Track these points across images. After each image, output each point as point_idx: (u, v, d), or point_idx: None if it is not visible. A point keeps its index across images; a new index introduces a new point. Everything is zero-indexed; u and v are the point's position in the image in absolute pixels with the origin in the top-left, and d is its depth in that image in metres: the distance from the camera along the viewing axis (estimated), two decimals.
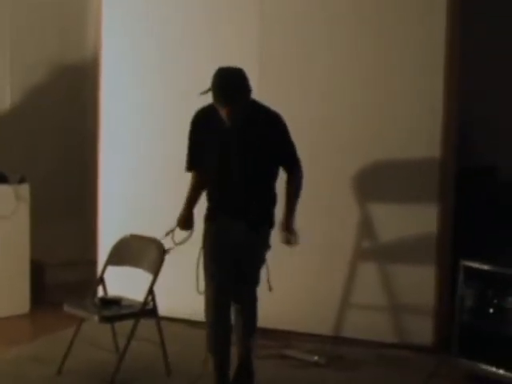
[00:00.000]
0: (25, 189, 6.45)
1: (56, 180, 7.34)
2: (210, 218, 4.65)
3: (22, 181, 6.45)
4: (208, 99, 4.46)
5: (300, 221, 5.77)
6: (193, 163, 4.70)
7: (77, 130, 7.46)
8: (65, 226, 7.37)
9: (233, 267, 4.56)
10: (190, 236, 4.75)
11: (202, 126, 4.60)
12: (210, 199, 4.68)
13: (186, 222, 4.73)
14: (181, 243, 4.77)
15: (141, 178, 6.37)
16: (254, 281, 4.69)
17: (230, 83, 4.35)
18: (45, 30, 7.33)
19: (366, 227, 5.81)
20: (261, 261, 4.69)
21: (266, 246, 4.67)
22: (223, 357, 4.60)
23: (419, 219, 5.65)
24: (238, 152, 4.49)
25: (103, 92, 6.53)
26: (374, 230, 5.79)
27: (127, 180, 6.45)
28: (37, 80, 7.30)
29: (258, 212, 4.57)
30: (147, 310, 4.87)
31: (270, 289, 4.80)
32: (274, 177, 4.63)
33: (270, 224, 4.66)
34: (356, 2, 5.78)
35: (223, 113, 4.37)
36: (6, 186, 6.36)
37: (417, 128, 5.63)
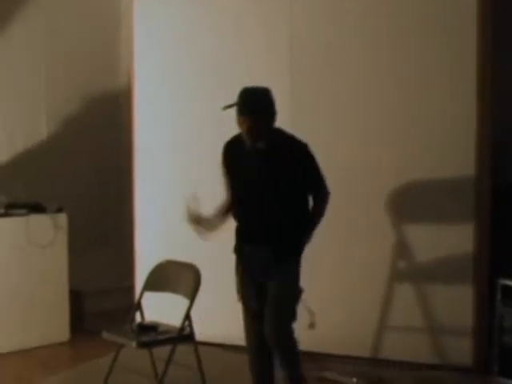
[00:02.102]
0: (62, 218, 6.52)
1: (93, 208, 7.42)
2: (236, 248, 4.67)
3: (59, 210, 6.52)
4: None
5: (334, 242, 5.82)
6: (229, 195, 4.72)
7: (112, 158, 7.54)
8: (102, 254, 7.44)
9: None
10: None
11: (230, 154, 4.63)
12: (237, 228, 4.68)
13: (196, 216, 4.69)
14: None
15: (176, 205, 6.40)
16: (286, 314, 4.56)
17: (252, 96, 4.40)
18: (78, 58, 7.43)
19: (402, 247, 5.78)
20: (291, 291, 4.58)
21: (294, 275, 4.58)
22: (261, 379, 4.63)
23: (455, 238, 5.62)
24: (261, 176, 4.47)
25: (137, 119, 6.61)
26: (410, 251, 5.76)
27: (162, 207, 6.50)
28: (72, 109, 7.40)
29: (283, 239, 4.51)
30: (184, 335, 4.87)
31: (312, 326, 4.75)
32: (299, 203, 4.57)
33: (298, 251, 4.59)
34: (393, 26, 5.77)
35: (244, 129, 4.39)
36: (44, 216, 6.43)
37: (450, 146, 5.61)
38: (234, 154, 4.61)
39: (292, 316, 4.55)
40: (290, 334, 4.56)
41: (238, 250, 4.67)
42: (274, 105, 4.44)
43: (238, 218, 4.66)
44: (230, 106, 4.40)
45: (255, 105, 4.37)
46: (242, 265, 4.64)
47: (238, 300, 4.69)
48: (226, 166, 4.68)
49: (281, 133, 4.53)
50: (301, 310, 4.64)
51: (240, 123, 4.41)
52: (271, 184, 4.46)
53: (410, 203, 5.79)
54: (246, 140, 4.44)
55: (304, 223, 4.55)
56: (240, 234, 4.66)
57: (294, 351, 4.63)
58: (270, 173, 4.45)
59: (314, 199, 4.60)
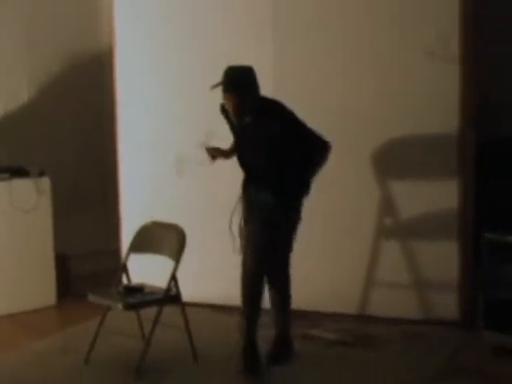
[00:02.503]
0: (45, 182, 6.47)
1: (76, 171, 7.37)
2: (242, 188, 4.97)
3: (42, 174, 6.47)
4: None
5: (321, 200, 5.80)
6: None
7: (95, 120, 7.48)
8: (87, 217, 7.41)
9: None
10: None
11: (226, 112, 4.84)
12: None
13: (214, 150, 4.99)
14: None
15: (161, 165, 6.39)
16: (285, 254, 4.95)
17: (237, 74, 4.64)
18: (58, 19, 7.32)
19: (387, 205, 5.79)
20: (291, 237, 4.90)
21: (293, 215, 4.86)
22: (255, 312, 4.83)
23: (440, 194, 5.63)
24: (250, 147, 4.79)
25: (120, 80, 6.55)
26: (395, 208, 5.77)
27: (147, 168, 6.47)
28: (53, 72, 7.30)
29: (281, 188, 4.74)
30: (171, 296, 4.88)
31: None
32: (291, 159, 4.73)
33: (297, 197, 4.83)
34: None
35: (229, 107, 4.63)
36: (27, 180, 6.38)
37: (434, 102, 5.59)
38: (227, 115, 4.84)
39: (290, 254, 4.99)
40: (289, 269, 5.03)
41: (244, 188, 4.96)
42: (257, 81, 4.69)
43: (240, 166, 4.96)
44: (216, 86, 4.63)
45: (240, 82, 4.62)
46: (247, 201, 4.90)
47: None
48: (228, 122, 4.94)
49: (264, 104, 4.71)
50: None
51: (226, 100, 4.65)
52: (258, 154, 4.74)
53: (395, 160, 5.79)
54: (232, 117, 4.71)
55: (298, 173, 4.78)
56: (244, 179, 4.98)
57: (290, 287, 5.08)
58: (256, 145, 4.72)
59: (309, 151, 4.75)
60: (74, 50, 7.42)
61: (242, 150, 4.88)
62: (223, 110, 4.89)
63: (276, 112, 4.69)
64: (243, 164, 4.90)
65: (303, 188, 4.83)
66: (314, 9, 5.87)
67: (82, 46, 7.50)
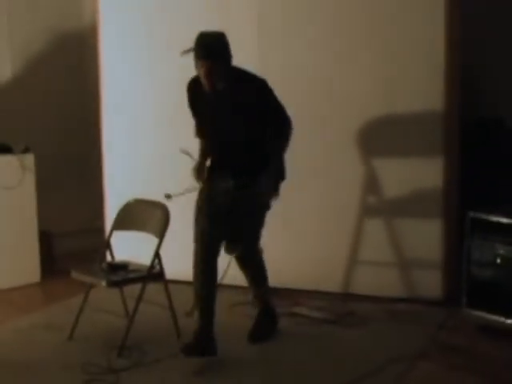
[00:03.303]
0: (29, 158, 6.46)
1: (61, 149, 7.34)
2: (207, 177, 4.82)
3: (26, 150, 6.45)
4: None
5: (305, 179, 5.81)
6: (197, 130, 4.89)
7: (79, 98, 7.45)
8: (71, 194, 7.40)
9: (226, 224, 4.73)
10: (193, 189, 4.88)
11: (195, 93, 4.75)
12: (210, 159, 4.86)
13: (200, 170, 4.83)
14: (184, 193, 4.91)
15: (144, 142, 6.37)
16: (251, 237, 4.91)
17: (209, 40, 4.50)
18: None
19: (372, 183, 5.79)
20: (256, 218, 4.85)
21: (261, 203, 4.77)
22: (209, 302, 4.70)
23: (425, 172, 5.63)
24: (223, 116, 4.66)
25: (104, 58, 6.52)
26: (380, 186, 5.77)
27: (130, 145, 6.46)
28: (37, 49, 7.27)
29: (248, 170, 4.66)
30: (154, 273, 4.88)
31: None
32: (262, 135, 4.69)
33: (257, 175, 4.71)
34: None
35: (202, 74, 4.50)
36: (11, 157, 6.36)
37: (419, 81, 5.58)
38: (197, 92, 4.72)
39: (258, 237, 4.95)
40: (258, 251, 5.02)
41: (205, 183, 4.84)
42: (229, 47, 4.57)
43: (209, 152, 4.86)
44: (187, 51, 4.52)
45: (212, 48, 4.49)
46: (205, 195, 4.79)
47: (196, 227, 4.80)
48: (192, 104, 4.82)
49: (237, 72, 4.64)
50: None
51: (198, 67, 4.52)
52: (233, 121, 4.64)
53: (379, 138, 5.78)
54: (204, 84, 4.56)
55: (265, 152, 4.71)
56: (210, 167, 4.84)
57: (263, 267, 5.07)
58: (230, 112, 4.62)
59: (276, 127, 4.72)
60: (57, 27, 7.40)
61: (215, 121, 4.73)
62: (190, 87, 4.77)
63: (249, 79, 4.64)
64: (218, 136, 4.77)
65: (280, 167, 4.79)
66: None
67: (66, 23, 7.48)
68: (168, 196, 4.96)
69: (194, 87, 4.74)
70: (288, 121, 4.72)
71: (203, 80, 4.53)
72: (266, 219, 4.90)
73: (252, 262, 5.05)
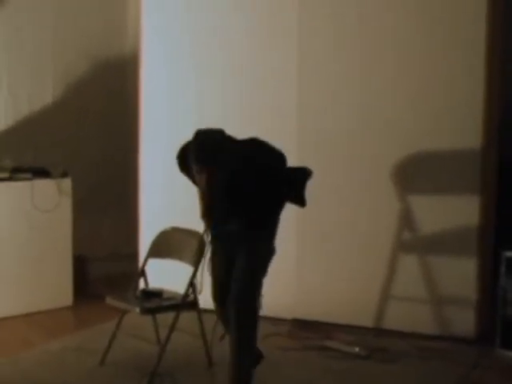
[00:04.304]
0: (67, 183, 6.52)
1: (98, 174, 7.41)
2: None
3: (64, 175, 6.51)
4: None
5: (341, 213, 5.81)
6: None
7: (118, 124, 7.52)
8: (107, 219, 7.46)
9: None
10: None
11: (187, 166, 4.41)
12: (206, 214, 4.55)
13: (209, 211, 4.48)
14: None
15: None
16: (249, 285, 4.44)
17: (209, 143, 4.22)
18: (86, 23, 7.40)
19: (408, 218, 5.78)
20: (258, 264, 4.48)
21: (264, 249, 4.50)
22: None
23: (461, 210, 5.61)
24: (229, 193, 4.37)
25: (144, 85, 6.58)
26: (416, 222, 5.76)
27: (168, 173, 6.47)
28: (78, 74, 7.36)
29: (254, 216, 4.40)
30: (188, 302, 4.89)
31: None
32: (269, 192, 4.40)
33: (267, 226, 4.50)
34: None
35: (200, 180, 4.23)
36: (49, 181, 6.42)
37: (457, 117, 5.58)
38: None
39: (258, 289, 4.46)
40: (254, 308, 4.43)
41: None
42: (229, 145, 4.26)
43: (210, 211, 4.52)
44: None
45: (215, 152, 4.18)
46: (215, 243, 4.58)
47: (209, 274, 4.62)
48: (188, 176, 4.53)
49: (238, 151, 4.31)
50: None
51: (196, 172, 4.24)
52: (239, 196, 4.36)
53: (417, 174, 5.77)
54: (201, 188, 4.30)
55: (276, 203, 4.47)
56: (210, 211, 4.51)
57: (252, 329, 4.45)
58: (236, 190, 4.34)
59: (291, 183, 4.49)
60: (99, 52, 7.49)
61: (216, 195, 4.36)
62: (181, 161, 4.48)
63: (251, 149, 4.36)
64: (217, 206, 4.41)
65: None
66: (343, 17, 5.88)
67: (108, 48, 7.56)
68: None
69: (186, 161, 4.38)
70: (283, 157, 4.42)
71: (200, 185, 4.29)
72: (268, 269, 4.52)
73: (241, 319, 4.40)
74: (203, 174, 4.19)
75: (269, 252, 4.51)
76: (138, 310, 4.78)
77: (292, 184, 4.49)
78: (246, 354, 4.45)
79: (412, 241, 5.78)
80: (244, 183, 4.33)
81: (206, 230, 4.56)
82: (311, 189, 4.58)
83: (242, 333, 4.41)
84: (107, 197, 7.51)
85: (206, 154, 4.17)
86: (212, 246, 4.62)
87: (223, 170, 4.22)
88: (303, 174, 4.52)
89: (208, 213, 4.46)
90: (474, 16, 5.47)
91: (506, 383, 4.89)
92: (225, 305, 4.51)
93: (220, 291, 4.59)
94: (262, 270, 4.48)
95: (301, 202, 4.52)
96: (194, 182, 4.45)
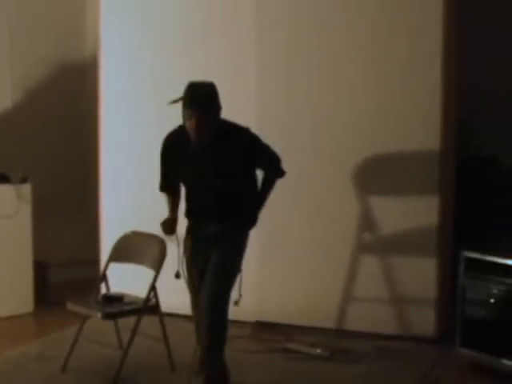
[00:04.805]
0: (27, 188, 6.47)
1: (57, 179, 7.36)
2: (187, 230, 4.75)
3: (23, 180, 6.46)
4: None
5: (299, 215, 5.84)
6: (165, 184, 4.84)
7: (77, 129, 7.48)
8: (67, 224, 7.41)
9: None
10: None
11: (176, 145, 4.67)
12: (186, 211, 4.76)
13: (170, 226, 4.72)
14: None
15: (141, 176, 6.39)
16: (224, 285, 4.59)
17: (199, 90, 4.45)
18: (43, 28, 7.36)
19: (367, 220, 5.82)
20: (232, 263, 4.63)
21: (238, 248, 4.66)
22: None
23: (420, 211, 5.66)
24: (209, 167, 4.56)
25: (102, 89, 6.56)
26: (375, 223, 5.80)
27: (128, 178, 6.48)
28: (36, 79, 7.32)
29: (231, 214, 4.60)
30: (150, 306, 4.89)
31: (237, 303, 4.68)
32: (247, 182, 4.66)
33: (245, 225, 4.69)
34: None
35: (190, 126, 4.42)
36: (8, 186, 6.37)
37: (416, 119, 5.63)
38: (178, 143, 4.63)
39: (229, 289, 4.60)
40: (224, 307, 4.57)
41: (189, 230, 4.74)
42: (219, 99, 4.49)
43: (186, 201, 4.75)
44: (175, 101, 4.47)
45: (203, 99, 4.42)
46: (191, 244, 4.70)
47: (184, 279, 4.73)
48: (168, 157, 4.74)
49: (224, 124, 4.56)
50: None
51: (186, 118, 4.45)
52: (219, 173, 4.56)
53: (376, 175, 5.82)
54: (191, 135, 4.47)
55: (252, 198, 4.67)
56: (190, 214, 4.74)
57: (223, 329, 4.63)
58: (217, 163, 4.54)
59: (266, 173, 4.71)
60: (58, 57, 7.46)
61: (198, 172, 4.60)
62: (171, 140, 4.70)
63: (235, 131, 4.59)
64: (201, 187, 4.64)
65: (255, 215, 4.72)
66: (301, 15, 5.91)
67: (66, 53, 7.53)
68: (177, 275, 4.73)
69: (175, 139, 4.66)
70: (279, 160, 4.70)
71: (191, 131, 4.45)
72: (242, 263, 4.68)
73: (213, 315, 4.57)
74: (193, 119, 4.39)
75: (242, 248, 4.66)
76: (99, 314, 4.77)
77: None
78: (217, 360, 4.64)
79: (372, 242, 5.82)
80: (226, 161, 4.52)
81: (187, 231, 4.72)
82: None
83: (215, 334, 4.59)
84: (68, 202, 7.47)
85: (198, 100, 4.39)
86: (188, 255, 4.71)
87: (212, 118, 4.43)
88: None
89: (188, 212, 4.70)
90: (431, 19, 5.54)
91: (466, 382, 4.94)
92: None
93: (195, 290, 4.68)
94: (236, 267, 4.61)
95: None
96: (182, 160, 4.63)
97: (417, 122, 5.64)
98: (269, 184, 4.72)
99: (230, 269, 4.61)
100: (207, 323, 4.56)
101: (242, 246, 4.68)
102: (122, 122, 6.50)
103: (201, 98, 4.41)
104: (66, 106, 7.46)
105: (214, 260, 4.57)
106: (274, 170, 4.72)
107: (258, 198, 4.71)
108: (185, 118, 4.45)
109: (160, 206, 6.15)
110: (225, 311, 4.58)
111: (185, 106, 4.44)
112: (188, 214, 4.74)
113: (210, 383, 4.62)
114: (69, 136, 7.48)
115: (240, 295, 4.65)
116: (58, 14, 7.45)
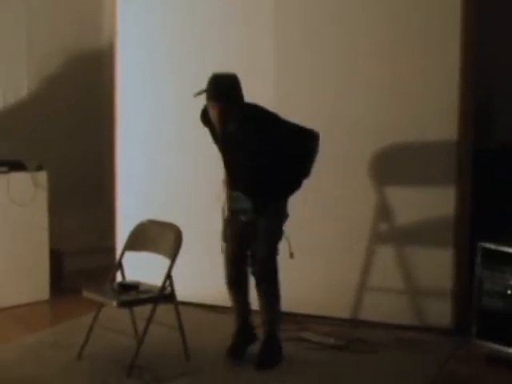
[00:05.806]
0: (42, 176, 6.48)
1: (73, 167, 7.37)
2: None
3: (39, 168, 6.47)
4: None
5: (317, 204, 5.82)
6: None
7: (94, 117, 7.50)
8: (83, 212, 7.42)
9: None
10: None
11: (208, 120, 4.84)
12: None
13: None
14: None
15: (158, 164, 6.39)
16: (266, 254, 4.91)
17: (221, 82, 4.66)
18: (60, 17, 7.35)
19: (384, 210, 5.80)
20: (271, 234, 4.90)
21: (275, 219, 4.90)
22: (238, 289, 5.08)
23: (437, 201, 5.63)
24: (235, 152, 4.82)
25: (119, 77, 6.55)
26: (392, 213, 5.78)
27: (144, 166, 6.47)
28: (53, 67, 7.32)
29: (263, 192, 4.82)
30: (165, 294, 4.88)
31: (292, 255, 4.98)
32: (276, 162, 4.78)
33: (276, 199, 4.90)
34: None
35: (214, 115, 4.65)
36: (24, 174, 6.38)
37: (433, 109, 5.59)
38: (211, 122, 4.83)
39: (276, 254, 4.97)
40: (275, 266, 4.96)
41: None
42: (241, 90, 4.71)
43: (225, 171, 5.00)
44: (200, 93, 4.67)
45: (224, 91, 4.65)
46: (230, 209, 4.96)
47: (223, 242, 5.00)
48: (209, 129, 4.92)
49: (248, 109, 4.74)
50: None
51: (210, 108, 4.69)
52: (242, 158, 4.79)
53: (392, 165, 5.79)
54: (215, 123, 4.71)
55: (284, 176, 4.83)
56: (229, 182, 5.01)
57: (277, 293, 5.00)
58: (240, 150, 4.77)
59: (299, 148, 4.87)
60: (74, 48, 7.45)
61: (228, 157, 4.89)
62: (204, 117, 4.88)
63: (260, 117, 4.75)
64: (231, 171, 4.94)
65: (296, 184, 4.93)
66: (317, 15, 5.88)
67: (83, 45, 7.53)
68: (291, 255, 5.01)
69: (205, 116, 4.85)
70: (308, 135, 4.86)
71: (214, 120, 4.67)
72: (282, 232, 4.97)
73: (266, 284, 4.98)
74: (215, 110, 4.64)
75: (282, 217, 4.94)
76: (115, 303, 4.76)
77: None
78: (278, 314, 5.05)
79: (388, 231, 5.79)
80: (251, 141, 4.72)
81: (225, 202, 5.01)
82: None
83: (270, 300, 4.99)
84: (84, 190, 7.48)
85: (220, 92, 4.63)
86: (227, 219, 4.98)
87: (234, 109, 4.65)
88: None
89: (228, 180, 4.98)
90: (449, 9, 5.49)
91: (483, 373, 4.92)
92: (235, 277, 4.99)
93: (232, 263, 4.98)
94: (277, 236, 4.94)
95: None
96: (214, 138, 4.89)
97: (434, 112, 5.60)
98: (301, 158, 4.85)
99: (274, 238, 4.92)
100: (263, 291, 4.95)
101: (280, 216, 4.92)
102: (139, 110, 6.49)
103: (223, 91, 4.63)
104: (82, 94, 7.46)
105: (260, 233, 4.87)
106: (302, 146, 4.86)
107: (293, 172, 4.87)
108: (208, 107, 4.67)
109: (176, 194, 6.21)
110: (275, 270, 4.96)
111: (207, 98, 4.65)
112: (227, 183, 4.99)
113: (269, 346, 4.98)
114: (85, 124, 7.48)
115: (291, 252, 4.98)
116: (74, 2, 7.45)
